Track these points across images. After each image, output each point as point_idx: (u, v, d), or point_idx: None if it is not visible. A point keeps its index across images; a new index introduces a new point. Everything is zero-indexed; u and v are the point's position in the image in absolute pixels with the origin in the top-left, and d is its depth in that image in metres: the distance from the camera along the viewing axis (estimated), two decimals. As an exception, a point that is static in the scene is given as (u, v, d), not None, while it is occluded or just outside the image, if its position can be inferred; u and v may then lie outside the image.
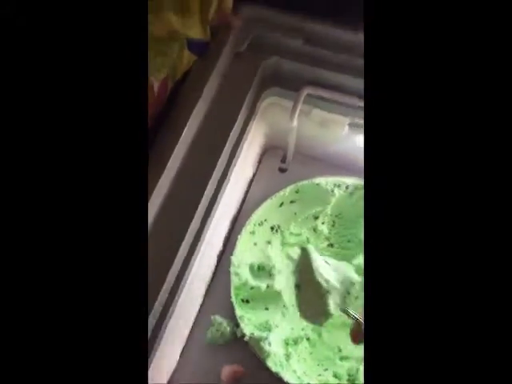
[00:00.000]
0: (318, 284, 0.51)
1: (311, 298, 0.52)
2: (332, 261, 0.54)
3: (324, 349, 0.52)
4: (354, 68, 0.47)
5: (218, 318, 0.52)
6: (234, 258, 0.54)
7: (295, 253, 0.56)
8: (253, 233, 0.56)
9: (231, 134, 0.46)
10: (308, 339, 0.53)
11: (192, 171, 0.44)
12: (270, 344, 0.50)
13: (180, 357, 0.51)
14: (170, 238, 0.44)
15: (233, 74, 0.48)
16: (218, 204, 0.47)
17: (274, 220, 0.57)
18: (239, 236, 0.55)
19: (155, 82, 0.42)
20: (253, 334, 0.50)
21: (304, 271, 0.53)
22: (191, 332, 0.52)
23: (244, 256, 0.55)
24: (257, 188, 0.58)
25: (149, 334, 0.42)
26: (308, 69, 0.48)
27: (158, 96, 0.42)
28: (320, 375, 0.50)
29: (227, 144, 0.47)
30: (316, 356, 0.52)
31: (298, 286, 0.53)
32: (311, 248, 0.54)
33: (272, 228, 0.57)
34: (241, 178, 0.55)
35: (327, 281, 0.51)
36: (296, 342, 0.52)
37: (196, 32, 0.45)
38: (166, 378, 0.50)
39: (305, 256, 0.53)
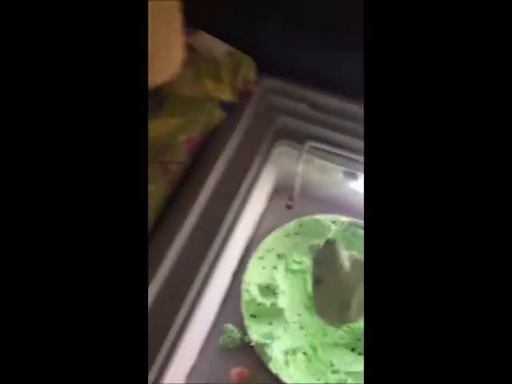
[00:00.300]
0: (341, 284, 0.46)
1: (332, 298, 0.48)
2: (360, 256, 0.50)
3: (318, 363, 0.60)
4: (347, 128, 0.58)
5: (230, 326, 0.61)
6: (245, 278, 0.63)
7: (318, 244, 0.53)
8: (262, 258, 0.66)
9: (248, 175, 0.57)
10: (304, 353, 0.61)
11: (217, 203, 0.55)
12: (272, 350, 0.59)
13: (197, 358, 0.59)
14: (195, 257, 0.52)
15: (252, 129, 0.59)
16: (234, 232, 0.56)
17: (280, 248, 0.67)
18: (250, 260, 0.64)
19: (194, 131, 0.54)
20: (258, 340, 0.59)
21: (327, 266, 0.48)
22: (207, 338, 0.60)
23: (254, 276, 0.64)
24: (267, 220, 0.68)
25: (172, 338, 0.50)
26: (311, 127, 0.59)
27: (196, 142, 0.54)
28: (313, 385, 0.57)
29: (244, 184, 0.57)
30: (311, 369, 0.59)
31: (318, 281, 0.48)
32: (337, 240, 0.50)
33: (278, 255, 0.67)
34: (254, 212, 0.65)
35: (351, 281, 0.46)
36: (294, 352, 0.60)
37: (226, 95, 0.57)
38: (184, 376, 0.58)
39: (329, 250, 0.48)
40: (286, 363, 0.59)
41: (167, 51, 0.53)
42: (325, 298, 0.49)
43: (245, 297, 0.63)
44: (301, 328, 0.62)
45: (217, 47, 0.58)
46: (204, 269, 0.53)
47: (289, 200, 0.69)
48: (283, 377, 0.58)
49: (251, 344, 0.59)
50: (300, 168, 0.62)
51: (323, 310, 0.50)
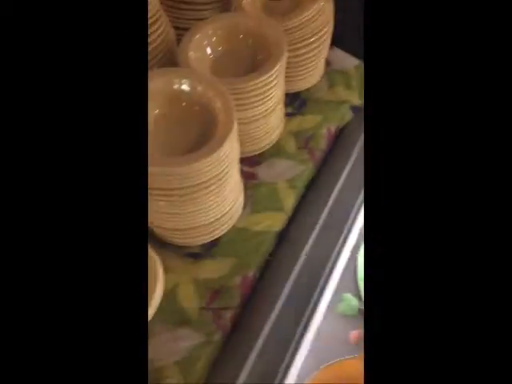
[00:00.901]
0: None
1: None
2: None
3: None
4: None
5: (348, 295, 0.71)
6: (359, 258, 0.74)
7: None
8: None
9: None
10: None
11: (339, 209, 0.64)
12: (384, 318, 0.69)
13: (320, 323, 0.69)
14: (330, 244, 0.64)
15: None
16: (359, 216, 0.69)
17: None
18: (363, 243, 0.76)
19: (331, 127, 0.66)
20: (373, 309, 0.69)
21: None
22: (328, 305, 0.70)
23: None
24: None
25: (311, 306, 0.60)
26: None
27: (333, 135, 0.66)
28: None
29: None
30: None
31: None
32: None
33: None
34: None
35: None
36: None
37: (355, 100, 0.69)
38: (309, 340, 0.67)
39: None
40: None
41: (313, 65, 0.66)
42: None
43: (358, 273, 0.73)
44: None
45: (348, 61, 0.71)
46: (338, 246, 0.64)
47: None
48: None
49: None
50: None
51: None
